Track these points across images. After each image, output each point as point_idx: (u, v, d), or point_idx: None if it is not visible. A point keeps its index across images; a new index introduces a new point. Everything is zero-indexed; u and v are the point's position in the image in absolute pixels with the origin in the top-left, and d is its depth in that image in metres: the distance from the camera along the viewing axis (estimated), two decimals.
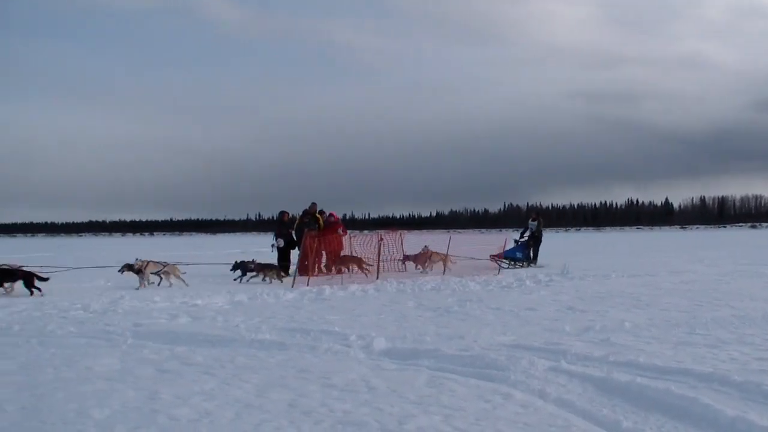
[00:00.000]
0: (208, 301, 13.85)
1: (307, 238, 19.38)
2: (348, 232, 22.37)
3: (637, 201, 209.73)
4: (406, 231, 24.47)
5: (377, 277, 18.82)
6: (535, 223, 26.03)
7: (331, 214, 22.23)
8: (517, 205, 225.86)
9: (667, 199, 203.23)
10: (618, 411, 5.80)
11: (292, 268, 20.39)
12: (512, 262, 23.97)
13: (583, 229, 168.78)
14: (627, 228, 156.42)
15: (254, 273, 18.81)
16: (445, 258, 21.23)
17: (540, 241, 25.94)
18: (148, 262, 17.41)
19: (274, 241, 21.83)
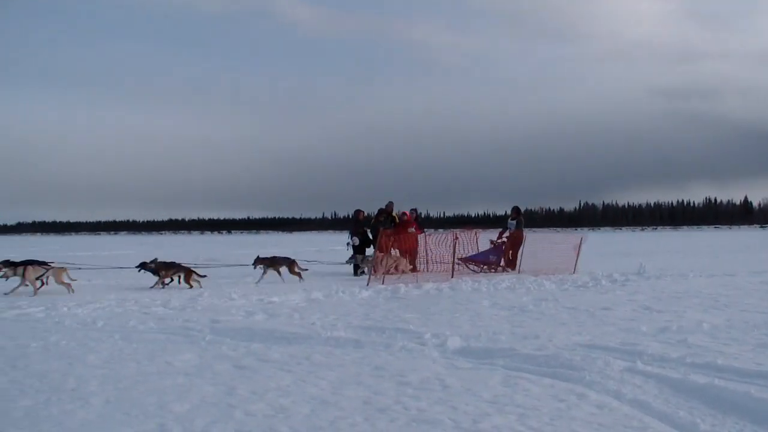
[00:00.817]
0: (284, 298, 13.99)
1: (382, 237, 19.43)
2: (422, 230, 22.37)
3: (715, 199, 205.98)
4: (480, 229, 24.27)
5: (452, 276, 18.79)
6: (515, 222, 22.91)
7: (404, 213, 22.25)
8: (593, 204, 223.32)
9: (746, 197, 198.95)
10: (695, 413, 5.69)
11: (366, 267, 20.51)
12: (483, 266, 21.81)
13: (659, 228, 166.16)
14: (705, 227, 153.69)
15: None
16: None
17: (520, 243, 22.49)
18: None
19: (350, 240, 21.95)
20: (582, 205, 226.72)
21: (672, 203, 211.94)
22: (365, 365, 7.51)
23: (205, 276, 17.54)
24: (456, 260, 20.83)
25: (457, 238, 20.51)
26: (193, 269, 17.41)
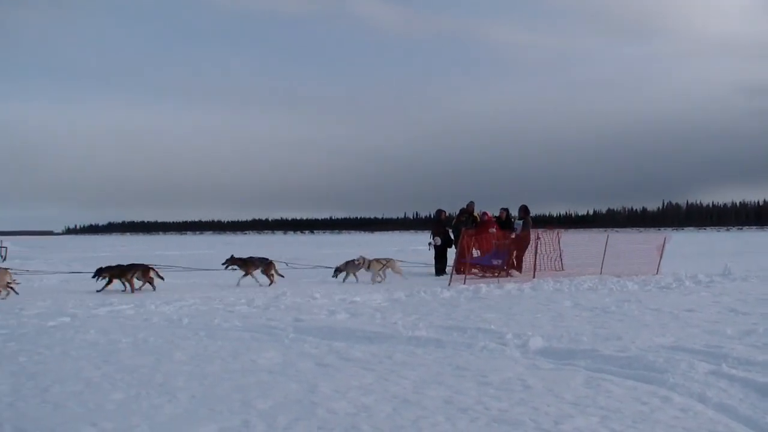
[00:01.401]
0: (366, 297, 14.09)
1: (464, 237, 19.41)
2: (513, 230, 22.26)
3: None
4: (562, 230, 24.00)
5: (534, 276, 18.67)
6: (521, 222, 21.37)
7: (484, 213, 22.17)
8: (677, 204, 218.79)
9: None
10: None
11: (449, 267, 20.53)
12: (487, 271, 20.34)
13: (745, 228, 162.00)
14: None
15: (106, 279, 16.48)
16: (387, 264, 19.23)
17: (526, 245, 20.82)
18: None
19: (432, 240, 21.97)
20: (665, 204, 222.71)
21: (758, 203, 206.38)
22: (447, 365, 7.53)
23: (162, 279, 17.12)
24: (453, 265, 20.46)
25: (539, 238, 20.36)
26: (153, 267, 17.09)
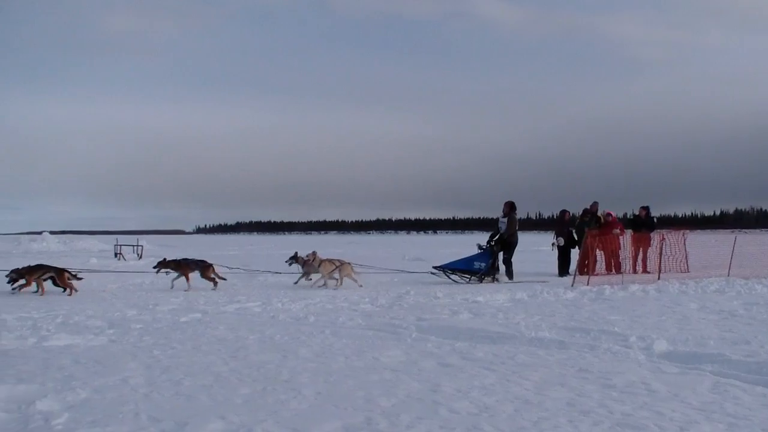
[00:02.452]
0: (489, 298, 14.07)
1: (587, 237, 19.18)
2: (626, 231, 21.87)
3: None
4: (688, 230, 23.37)
5: (658, 278, 18.27)
6: (506, 220, 19.94)
7: (608, 213, 21.84)
8: None
9: None
10: None
11: (572, 267, 20.30)
12: (466, 275, 19.21)
13: None
14: None
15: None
16: (341, 266, 17.84)
17: (512, 247, 19.91)
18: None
19: (555, 240, 21.78)
20: None
21: None
22: (569, 366, 7.46)
23: (81, 278, 16.74)
24: (431, 270, 19.92)
25: (663, 239, 19.91)
26: (66, 270, 16.48)
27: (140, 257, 35.56)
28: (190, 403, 5.99)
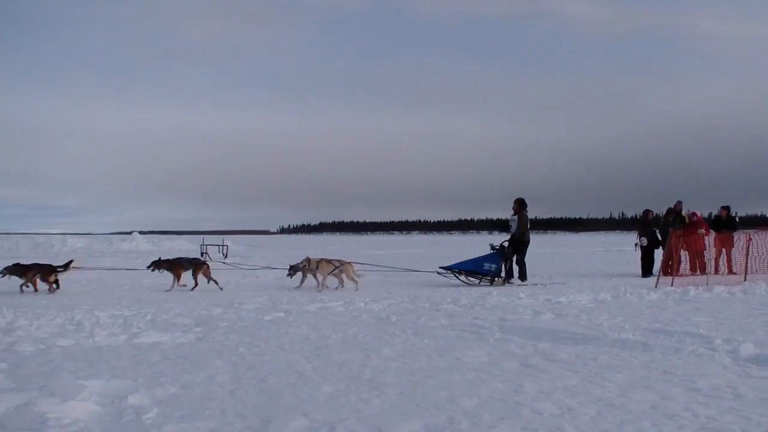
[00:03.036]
0: (571, 298, 13.95)
1: (672, 237, 18.87)
2: (711, 232, 21.43)
3: None
4: None
5: (744, 279, 17.86)
6: (516, 218, 19.11)
7: (693, 213, 21.45)
8: None
9: None
10: None
11: (656, 267, 20.02)
12: (472, 277, 18.69)
13: None
14: None
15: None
16: (341, 267, 17.56)
17: (524, 247, 18.96)
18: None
19: (638, 240, 21.50)
20: None
21: None
22: (653, 369, 7.36)
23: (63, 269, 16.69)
24: (438, 270, 19.43)
25: (750, 239, 19.44)
26: (58, 269, 16.58)
27: (225, 257, 36.13)
28: (274, 401, 6.09)
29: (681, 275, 18.66)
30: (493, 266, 18.46)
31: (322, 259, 17.79)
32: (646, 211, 22.35)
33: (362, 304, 13.17)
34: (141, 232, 64.90)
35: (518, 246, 18.85)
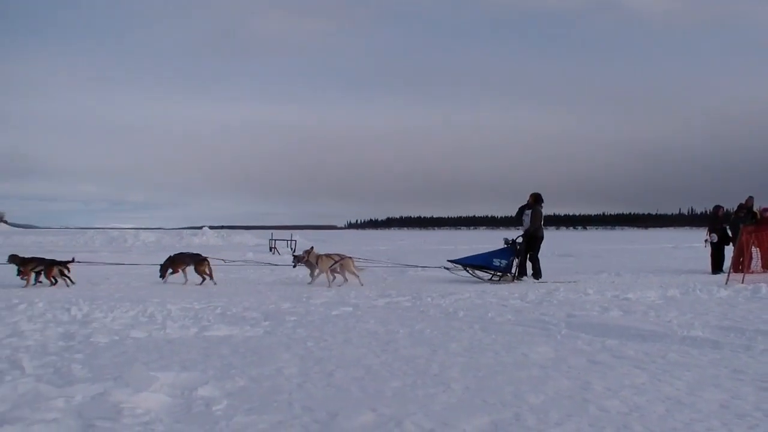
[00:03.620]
0: (640, 295, 13.77)
1: (743, 234, 18.51)
2: None
3: None
4: None
5: None
6: (530, 212, 18.52)
7: (765, 209, 20.93)
8: None
9: None
10: None
11: (726, 264, 19.67)
12: (481, 272, 18.20)
13: None
14: None
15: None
16: (342, 261, 17.34)
17: (537, 242, 18.42)
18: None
19: (708, 237, 21.15)
20: None
21: None
22: (723, 367, 7.25)
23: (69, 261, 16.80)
24: (445, 265, 19.10)
25: None
26: (57, 263, 16.49)
27: (294, 251, 36.45)
28: (341, 395, 6.16)
29: (752, 272, 18.27)
30: (504, 262, 18.05)
31: (323, 254, 17.62)
32: (717, 207, 21.94)
33: (429, 299, 13.20)
34: (211, 227, 65.91)
35: (531, 242, 18.35)
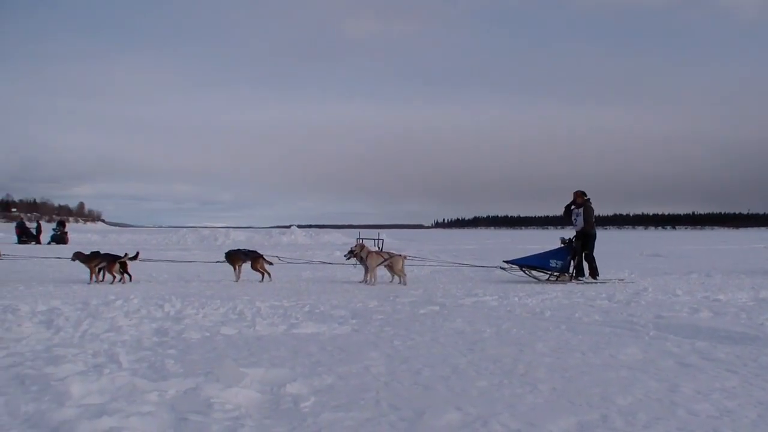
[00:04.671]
0: (730, 296, 13.50)
1: None
2: None
3: None
4: None
5: None
6: (581, 212, 18.23)
7: None
8: None
9: None
10: None
11: None
12: (537, 272, 18.12)
13: None
14: None
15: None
16: (391, 259, 17.44)
17: (590, 241, 18.09)
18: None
19: None
20: None
21: None
22: None
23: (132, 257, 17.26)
24: (501, 265, 18.77)
25: None
26: (119, 258, 16.99)
27: (381, 250, 36.61)
28: (428, 393, 6.20)
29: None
30: (560, 262, 17.93)
31: (372, 251, 17.78)
32: None
33: (516, 299, 13.17)
34: (299, 226, 66.67)
35: (586, 240, 18.10)
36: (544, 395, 6.13)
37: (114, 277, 16.76)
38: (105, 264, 16.94)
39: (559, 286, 15.99)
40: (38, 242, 48.62)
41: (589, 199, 18.51)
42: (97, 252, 17.66)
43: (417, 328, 9.88)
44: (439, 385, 6.47)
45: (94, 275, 16.77)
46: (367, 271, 17.52)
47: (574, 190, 18.69)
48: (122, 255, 17.24)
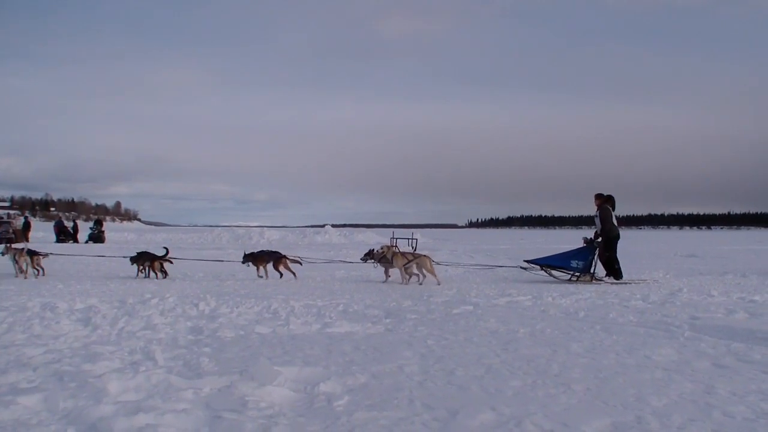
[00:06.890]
0: (766, 297, 13.35)
1: None
2: None
3: None
4: None
5: None
6: (598, 214, 18.17)
7: None
8: None
9: None
10: None
11: None
12: (558, 272, 18.08)
13: None
14: None
15: None
16: (416, 260, 17.32)
17: (613, 243, 17.96)
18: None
19: None
20: None
21: None
22: None
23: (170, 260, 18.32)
24: (522, 264, 18.72)
25: None
26: (159, 257, 18.02)
27: (414, 249, 36.63)
28: (461, 393, 6.20)
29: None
30: (581, 263, 17.86)
31: (398, 252, 17.69)
32: None
33: (550, 299, 13.13)
34: (333, 225, 66.87)
35: (608, 242, 17.97)
36: (578, 396, 6.11)
37: (157, 274, 17.89)
38: (149, 262, 17.98)
39: (593, 287, 15.91)
40: (76, 241, 49.23)
41: (609, 198, 18.41)
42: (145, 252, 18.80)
43: (451, 327, 9.88)
44: (472, 385, 6.47)
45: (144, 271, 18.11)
46: (386, 271, 17.65)
47: (595, 193, 18.64)
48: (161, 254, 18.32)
